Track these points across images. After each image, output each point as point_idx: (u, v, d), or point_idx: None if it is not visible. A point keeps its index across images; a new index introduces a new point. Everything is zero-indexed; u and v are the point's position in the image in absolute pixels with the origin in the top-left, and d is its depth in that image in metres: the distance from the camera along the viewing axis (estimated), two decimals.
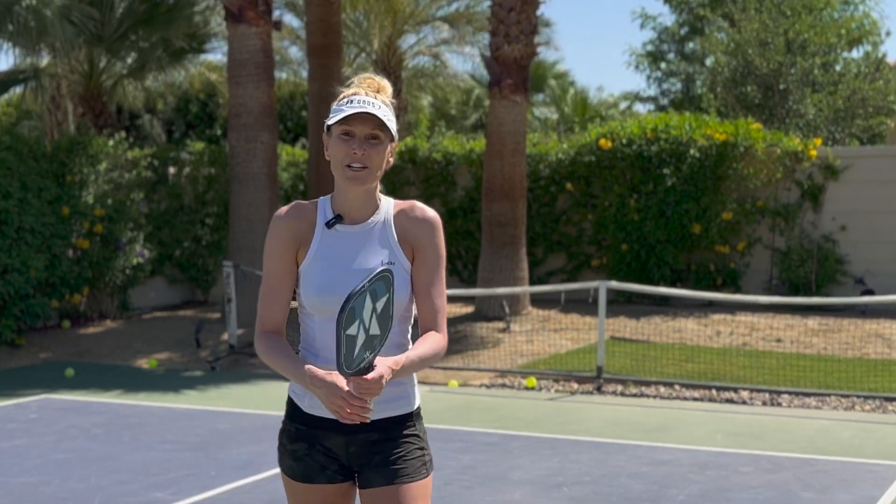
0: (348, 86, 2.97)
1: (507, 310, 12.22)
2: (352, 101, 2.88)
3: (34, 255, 11.78)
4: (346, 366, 2.61)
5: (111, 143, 13.19)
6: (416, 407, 3.03)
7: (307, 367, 2.79)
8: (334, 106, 2.93)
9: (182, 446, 7.36)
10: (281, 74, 22.76)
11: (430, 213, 3.01)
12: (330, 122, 2.90)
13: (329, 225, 2.95)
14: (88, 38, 14.89)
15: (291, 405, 3.04)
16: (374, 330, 2.68)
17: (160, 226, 14.09)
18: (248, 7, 12.55)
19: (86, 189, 12.64)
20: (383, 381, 2.70)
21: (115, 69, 16.70)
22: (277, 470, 6.54)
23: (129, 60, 16.54)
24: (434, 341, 2.95)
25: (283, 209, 3.00)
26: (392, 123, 2.91)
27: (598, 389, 9.38)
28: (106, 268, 12.99)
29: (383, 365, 2.72)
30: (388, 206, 3.01)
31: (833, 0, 21.31)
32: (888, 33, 29.25)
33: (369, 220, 2.97)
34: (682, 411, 8.62)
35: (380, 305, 2.69)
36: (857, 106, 19.00)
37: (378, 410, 2.88)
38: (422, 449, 3.00)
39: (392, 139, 2.94)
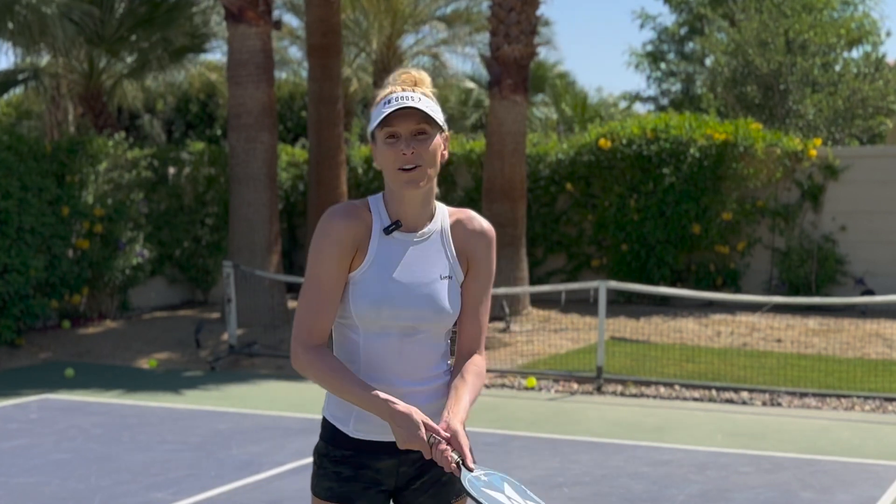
0: (384, 87, 2.81)
1: (507, 310, 12.21)
2: (389, 101, 2.72)
3: (34, 256, 11.77)
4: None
5: (111, 143, 13.18)
6: None
7: (383, 397, 2.67)
8: (373, 111, 2.77)
9: (182, 446, 7.36)
10: (281, 74, 22.75)
11: (487, 225, 2.88)
12: (371, 127, 2.76)
13: (388, 231, 2.77)
14: (89, 37, 14.88)
15: (331, 430, 2.86)
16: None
17: (160, 226, 14.07)
18: (248, 7, 12.55)
19: (86, 189, 12.63)
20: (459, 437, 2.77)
21: (115, 69, 16.68)
22: (277, 470, 6.61)
23: (129, 60, 16.53)
24: (480, 374, 2.87)
25: (339, 209, 2.78)
26: (437, 114, 2.74)
27: (598, 390, 9.38)
28: (106, 268, 12.98)
29: (457, 425, 2.77)
30: (444, 213, 2.86)
31: (833, 0, 21.31)
32: (888, 33, 29.23)
33: (427, 229, 2.81)
34: (682, 411, 8.62)
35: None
36: (857, 106, 19.02)
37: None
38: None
39: (441, 130, 2.77)
